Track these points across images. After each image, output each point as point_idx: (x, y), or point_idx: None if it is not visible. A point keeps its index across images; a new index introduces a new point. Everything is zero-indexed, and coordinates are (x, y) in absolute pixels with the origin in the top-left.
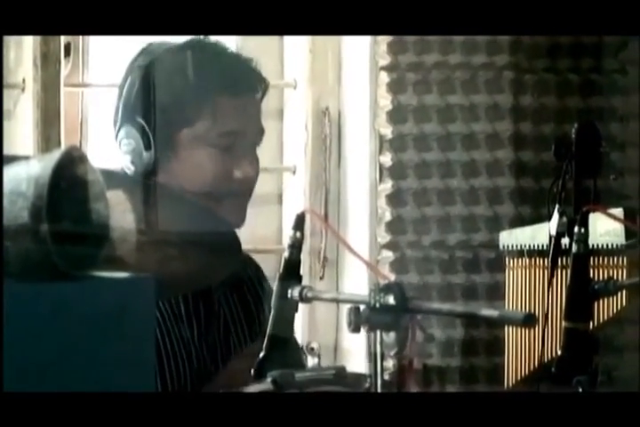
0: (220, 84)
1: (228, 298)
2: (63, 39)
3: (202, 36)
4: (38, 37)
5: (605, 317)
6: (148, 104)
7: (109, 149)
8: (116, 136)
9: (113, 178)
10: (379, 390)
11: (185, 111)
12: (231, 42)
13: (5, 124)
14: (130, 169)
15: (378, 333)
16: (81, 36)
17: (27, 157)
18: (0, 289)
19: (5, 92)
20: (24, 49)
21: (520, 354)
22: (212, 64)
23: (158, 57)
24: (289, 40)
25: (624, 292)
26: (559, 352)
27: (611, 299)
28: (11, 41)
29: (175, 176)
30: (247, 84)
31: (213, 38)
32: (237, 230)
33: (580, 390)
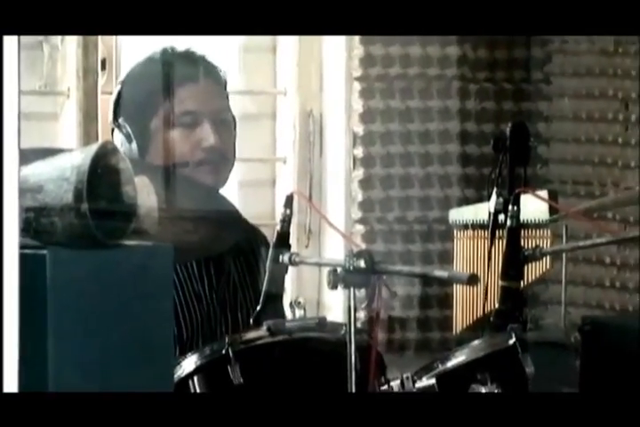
0: (172, 78)
1: (236, 261)
2: (100, 55)
3: (170, 47)
4: (80, 53)
5: (533, 277)
6: (125, 108)
7: None
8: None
9: (139, 166)
10: (352, 336)
11: (149, 103)
12: (232, 57)
13: (53, 124)
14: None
15: (352, 290)
16: (114, 52)
17: (70, 150)
18: None
19: (53, 99)
20: (68, 63)
21: (466, 307)
22: (165, 65)
23: (130, 70)
24: (280, 56)
25: (548, 257)
26: (497, 305)
27: (537, 263)
28: (58, 57)
29: (157, 156)
30: (198, 73)
31: (181, 47)
32: (239, 208)
33: (513, 335)
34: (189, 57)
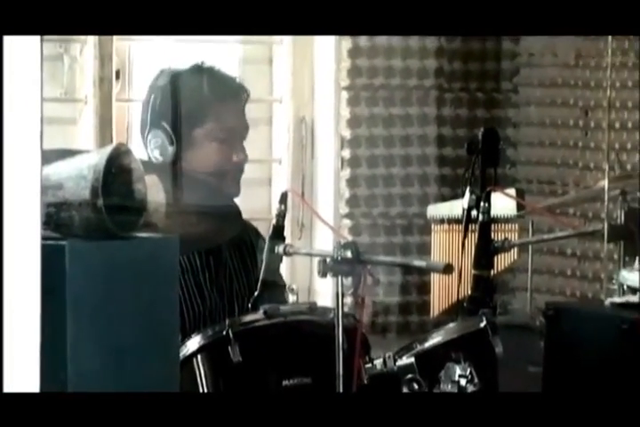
0: (217, 95)
1: (232, 254)
2: (114, 66)
3: (201, 62)
4: (96, 64)
5: (502, 267)
6: (169, 112)
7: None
8: (146, 137)
9: (149, 166)
10: (340, 319)
11: (196, 116)
12: (233, 68)
13: (72, 128)
14: (158, 159)
15: (339, 277)
16: (127, 64)
17: (87, 151)
18: None
19: (72, 105)
20: (85, 73)
21: (442, 293)
22: (210, 82)
23: (172, 79)
24: (276, 67)
25: (515, 249)
26: (469, 292)
27: (506, 254)
28: (76, 67)
29: (191, 162)
30: (235, 94)
31: (209, 63)
32: (239, 204)
33: (484, 319)
34: (228, 78)
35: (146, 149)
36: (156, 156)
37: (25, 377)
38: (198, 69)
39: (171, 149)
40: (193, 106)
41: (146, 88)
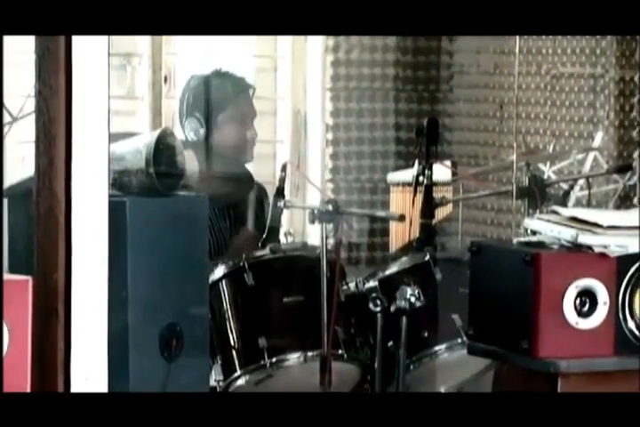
0: (233, 90)
1: (247, 207)
2: (163, 73)
3: (219, 68)
4: (150, 72)
5: (440, 216)
6: (199, 105)
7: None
8: (183, 123)
9: (187, 144)
10: (324, 254)
11: (219, 105)
12: (249, 76)
13: (132, 118)
14: (194, 138)
15: (324, 224)
16: (173, 71)
17: (142, 133)
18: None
19: (132, 102)
20: (142, 78)
21: (398, 236)
22: (227, 81)
23: (200, 81)
24: (280, 74)
25: (450, 204)
26: (417, 235)
27: (443, 207)
28: (136, 74)
29: (218, 139)
30: (245, 88)
31: (224, 69)
32: (253, 172)
33: (428, 254)
34: (239, 78)
35: (183, 131)
36: (192, 136)
37: (95, 302)
38: (218, 73)
39: (202, 131)
40: (216, 98)
41: (181, 89)
